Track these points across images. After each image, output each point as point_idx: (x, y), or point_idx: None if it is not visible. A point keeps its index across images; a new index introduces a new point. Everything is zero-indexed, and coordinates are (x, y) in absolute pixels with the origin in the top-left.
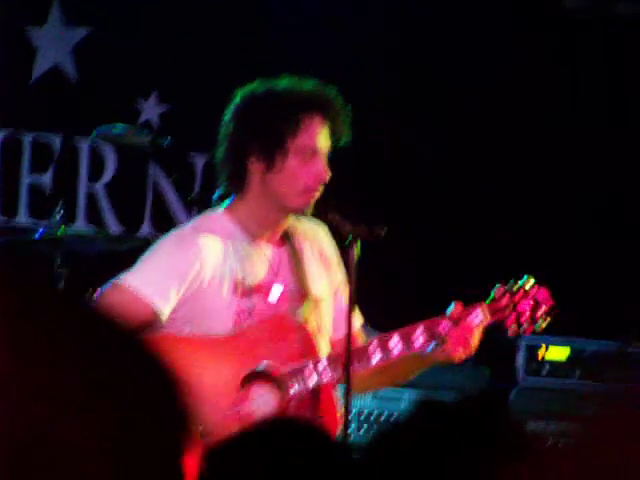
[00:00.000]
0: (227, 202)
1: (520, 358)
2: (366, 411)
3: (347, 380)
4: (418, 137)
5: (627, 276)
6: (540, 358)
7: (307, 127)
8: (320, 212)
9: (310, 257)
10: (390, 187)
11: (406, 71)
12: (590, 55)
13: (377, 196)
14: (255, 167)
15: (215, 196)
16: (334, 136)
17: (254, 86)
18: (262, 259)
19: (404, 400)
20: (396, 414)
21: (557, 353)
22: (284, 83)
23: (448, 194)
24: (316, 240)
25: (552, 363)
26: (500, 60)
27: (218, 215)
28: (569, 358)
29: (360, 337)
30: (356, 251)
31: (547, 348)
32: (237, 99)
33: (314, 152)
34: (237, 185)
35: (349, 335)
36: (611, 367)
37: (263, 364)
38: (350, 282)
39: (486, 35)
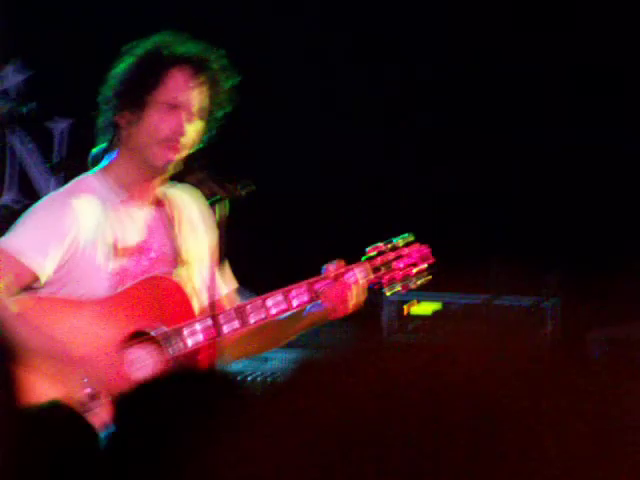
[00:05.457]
0: (103, 163)
1: (385, 315)
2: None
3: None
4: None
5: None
6: (405, 314)
7: (169, 82)
8: (185, 172)
9: (181, 221)
10: (267, 147)
11: None
12: None
13: (249, 156)
14: (122, 121)
15: (91, 154)
16: (214, 97)
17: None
18: (136, 221)
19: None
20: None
21: (423, 308)
22: (160, 39)
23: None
24: (187, 205)
25: (418, 319)
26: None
27: (92, 177)
28: (435, 313)
29: (235, 301)
30: (222, 210)
31: (417, 303)
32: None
33: (175, 106)
34: (108, 140)
35: (212, 294)
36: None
37: (142, 325)
38: (219, 241)
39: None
